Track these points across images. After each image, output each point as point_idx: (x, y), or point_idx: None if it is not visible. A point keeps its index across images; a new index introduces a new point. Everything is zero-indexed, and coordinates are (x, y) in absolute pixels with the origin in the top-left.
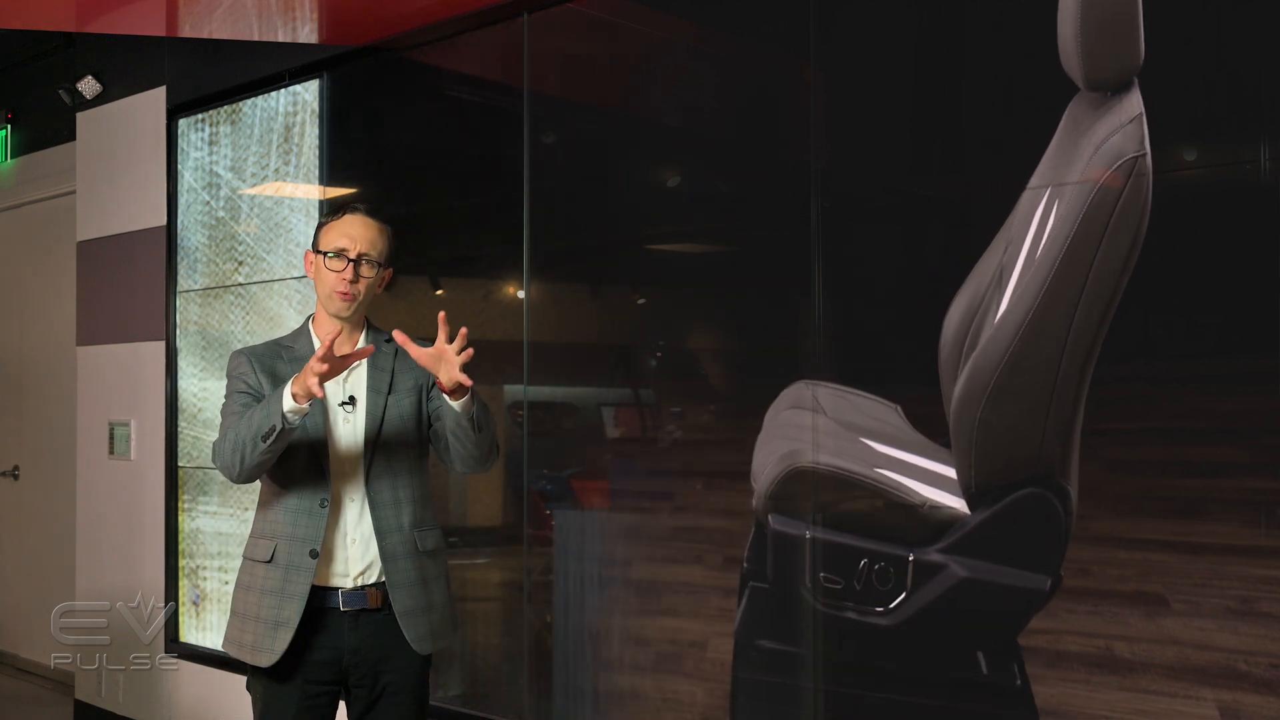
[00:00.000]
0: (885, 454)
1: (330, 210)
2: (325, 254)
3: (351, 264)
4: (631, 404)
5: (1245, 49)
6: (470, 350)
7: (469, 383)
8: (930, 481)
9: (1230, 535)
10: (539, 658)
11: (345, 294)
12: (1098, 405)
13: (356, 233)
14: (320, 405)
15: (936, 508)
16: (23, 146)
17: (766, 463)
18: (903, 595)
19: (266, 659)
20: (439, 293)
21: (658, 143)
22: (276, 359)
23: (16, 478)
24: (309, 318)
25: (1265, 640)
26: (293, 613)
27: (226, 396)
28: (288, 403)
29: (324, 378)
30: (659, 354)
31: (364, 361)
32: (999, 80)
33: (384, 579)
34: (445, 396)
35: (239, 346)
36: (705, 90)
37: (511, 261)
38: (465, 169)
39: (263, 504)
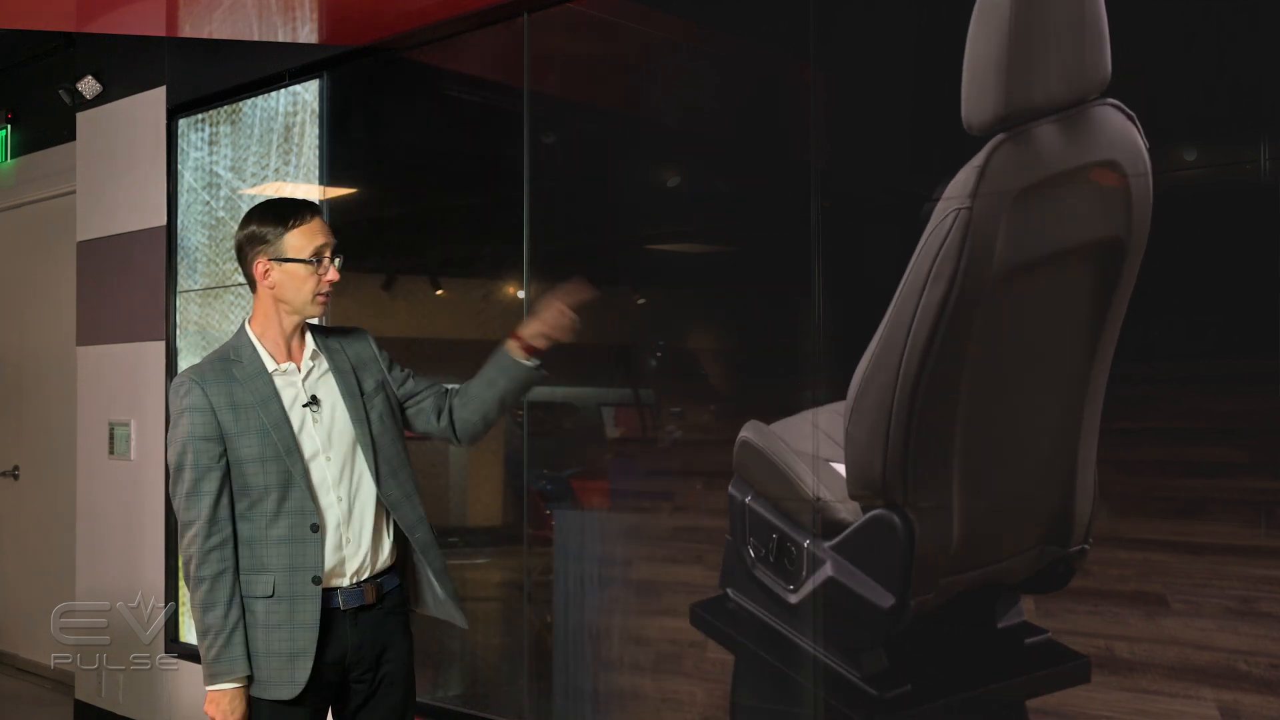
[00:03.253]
0: None
1: (281, 216)
2: (312, 260)
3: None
4: (631, 404)
5: (1245, 50)
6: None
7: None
8: None
9: (1230, 535)
10: (539, 658)
11: (327, 295)
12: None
13: (327, 230)
14: (285, 425)
15: (827, 505)
16: (23, 146)
17: None
18: (802, 578)
19: (289, 691)
20: (439, 293)
21: (658, 143)
22: (231, 381)
23: (16, 478)
24: (245, 323)
25: (1265, 640)
26: (308, 641)
27: (182, 452)
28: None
29: None
30: (659, 354)
31: (324, 363)
32: None
33: (380, 575)
34: (523, 360)
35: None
36: (705, 90)
37: (511, 261)
38: (465, 169)
39: (243, 539)
